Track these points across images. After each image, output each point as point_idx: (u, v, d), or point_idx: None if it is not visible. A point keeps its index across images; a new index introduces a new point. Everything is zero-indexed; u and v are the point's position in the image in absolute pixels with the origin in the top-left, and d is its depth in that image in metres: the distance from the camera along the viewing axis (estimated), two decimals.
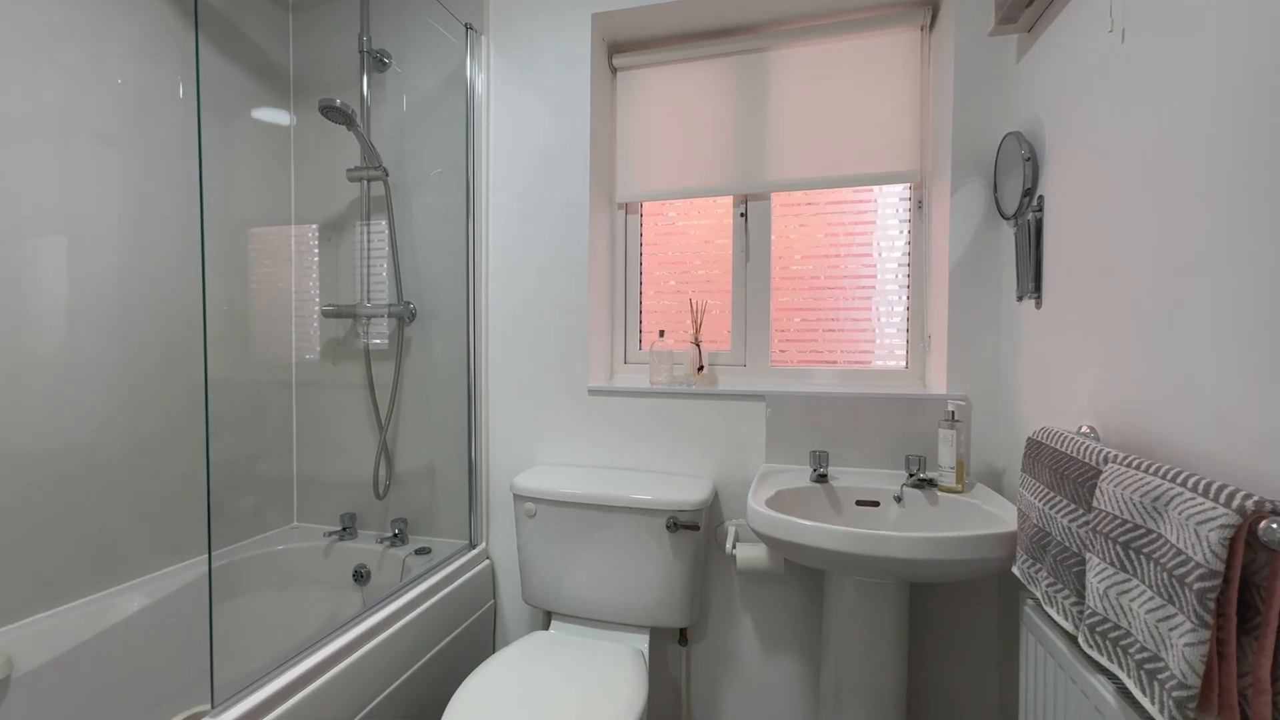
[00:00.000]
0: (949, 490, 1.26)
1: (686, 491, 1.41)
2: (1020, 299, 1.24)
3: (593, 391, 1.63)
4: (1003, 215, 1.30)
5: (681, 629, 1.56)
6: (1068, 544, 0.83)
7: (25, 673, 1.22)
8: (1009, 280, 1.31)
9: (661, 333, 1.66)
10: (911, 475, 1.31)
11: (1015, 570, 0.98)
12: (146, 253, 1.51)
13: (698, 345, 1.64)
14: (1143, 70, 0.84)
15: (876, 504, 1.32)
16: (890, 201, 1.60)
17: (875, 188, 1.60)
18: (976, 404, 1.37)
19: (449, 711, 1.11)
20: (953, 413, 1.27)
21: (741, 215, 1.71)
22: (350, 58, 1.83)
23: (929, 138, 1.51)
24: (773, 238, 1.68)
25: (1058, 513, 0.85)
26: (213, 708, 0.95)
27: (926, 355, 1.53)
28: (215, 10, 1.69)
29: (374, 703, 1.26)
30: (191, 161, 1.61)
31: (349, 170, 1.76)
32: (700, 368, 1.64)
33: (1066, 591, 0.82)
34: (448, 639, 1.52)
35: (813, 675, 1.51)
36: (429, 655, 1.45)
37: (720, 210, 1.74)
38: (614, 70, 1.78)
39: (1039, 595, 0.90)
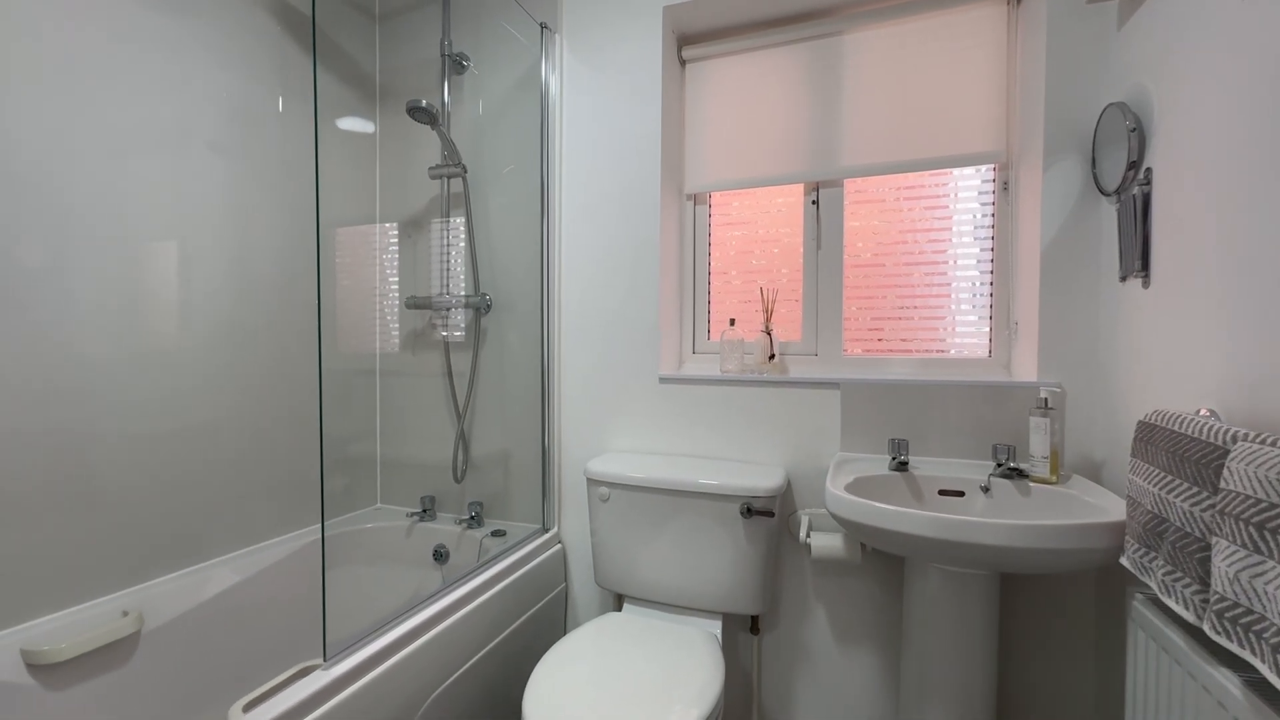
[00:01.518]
0: (1042, 481, 1.20)
1: (760, 478, 1.40)
2: (1124, 279, 1.17)
3: (664, 380, 1.65)
4: (1102, 191, 1.23)
5: (753, 617, 1.55)
6: (1188, 529, 0.78)
7: (154, 628, 1.34)
8: (1108, 260, 1.24)
9: (732, 321, 1.66)
10: (1000, 465, 1.26)
11: (1124, 561, 0.93)
12: (246, 252, 1.63)
13: (769, 334, 1.63)
14: (1273, 26, 0.79)
15: (961, 494, 1.27)
16: (968, 185, 1.54)
17: (952, 172, 1.54)
18: (1071, 391, 1.30)
19: (532, 683, 1.15)
20: (1046, 400, 1.21)
21: (813, 203, 1.69)
22: (431, 63, 1.93)
23: (1016, 116, 1.44)
24: (845, 225, 1.66)
25: (1177, 497, 0.81)
26: (325, 661, 1.02)
27: (1012, 342, 1.47)
28: (313, 24, 1.82)
29: (456, 674, 1.32)
30: (288, 167, 1.74)
31: (430, 168, 1.85)
32: (771, 356, 1.63)
33: (1187, 580, 0.78)
34: (522, 618, 1.57)
35: (891, 670, 1.47)
36: (506, 632, 1.50)
37: (789, 199, 1.72)
38: (683, 62, 1.79)
39: (1154, 585, 0.85)
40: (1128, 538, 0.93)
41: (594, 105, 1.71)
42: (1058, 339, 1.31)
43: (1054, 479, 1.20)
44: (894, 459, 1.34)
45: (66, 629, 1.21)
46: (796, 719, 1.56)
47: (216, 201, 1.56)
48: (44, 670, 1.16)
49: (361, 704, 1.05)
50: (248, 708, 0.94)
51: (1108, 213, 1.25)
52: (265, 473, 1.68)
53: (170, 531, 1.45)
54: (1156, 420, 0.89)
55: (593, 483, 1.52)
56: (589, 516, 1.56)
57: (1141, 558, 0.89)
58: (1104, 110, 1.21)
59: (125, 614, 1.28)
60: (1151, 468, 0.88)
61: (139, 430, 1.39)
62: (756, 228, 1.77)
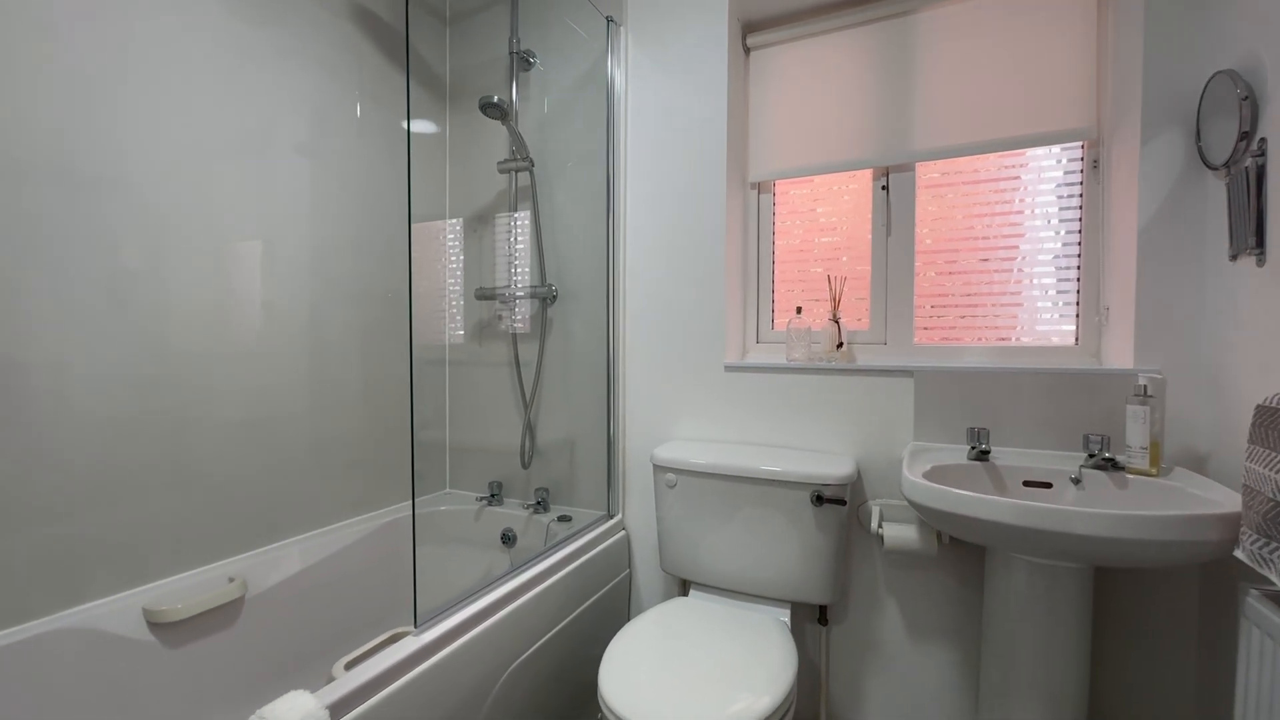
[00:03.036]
0: (1140, 472, 1.14)
1: (830, 466, 1.38)
2: (1234, 258, 1.10)
3: (729, 368, 1.65)
4: (1208, 165, 1.16)
5: (822, 607, 1.53)
6: None
7: (256, 594, 1.44)
8: (1215, 238, 1.16)
9: (799, 309, 1.64)
10: (1092, 456, 1.20)
11: (1240, 554, 0.87)
12: (324, 251, 1.72)
13: (837, 322, 1.61)
14: None
15: (1048, 485, 1.22)
16: (1049, 165, 1.48)
17: (1025, 153, 1.48)
18: (1172, 378, 1.23)
19: (607, 661, 1.18)
20: (1145, 387, 1.15)
21: (883, 188, 1.65)
22: (498, 61, 1.98)
23: (1108, 89, 1.37)
24: (917, 210, 1.61)
25: None
26: (415, 627, 1.07)
27: (1103, 328, 1.39)
28: (390, 28, 1.90)
29: (528, 652, 1.35)
30: (365, 167, 1.83)
31: (499, 163, 1.91)
32: (839, 344, 1.60)
33: None
34: (588, 602, 1.60)
35: (969, 667, 1.42)
36: (573, 615, 1.53)
37: (857, 185, 1.69)
38: (747, 50, 1.78)
39: (1274, 577, 0.79)
40: (1244, 529, 0.87)
41: (658, 96, 1.73)
42: (1157, 324, 1.23)
43: (1154, 471, 1.14)
44: (973, 448, 1.30)
45: (180, 592, 1.32)
46: (866, 713, 1.53)
47: (299, 203, 1.65)
48: (162, 628, 1.27)
49: (447, 670, 1.10)
50: (349, 666, 0.99)
51: (1214, 188, 1.17)
52: (343, 457, 1.77)
53: (263, 508, 1.55)
54: (1278, 404, 0.83)
55: (659, 469, 1.53)
56: (655, 503, 1.57)
57: (1261, 549, 0.83)
58: (1210, 79, 1.13)
59: (231, 580, 1.38)
60: (1274, 454, 0.82)
61: (229, 418, 1.49)
62: (820, 216, 1.74)
